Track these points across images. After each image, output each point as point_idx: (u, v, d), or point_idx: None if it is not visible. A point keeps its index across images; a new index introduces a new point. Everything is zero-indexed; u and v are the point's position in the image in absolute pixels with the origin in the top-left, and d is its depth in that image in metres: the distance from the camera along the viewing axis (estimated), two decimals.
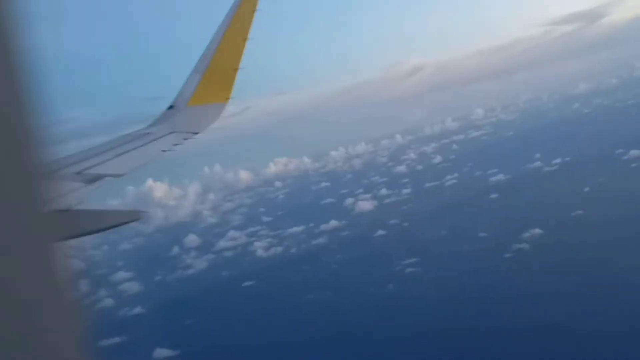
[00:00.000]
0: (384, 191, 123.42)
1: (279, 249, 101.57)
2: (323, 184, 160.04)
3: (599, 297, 52.44)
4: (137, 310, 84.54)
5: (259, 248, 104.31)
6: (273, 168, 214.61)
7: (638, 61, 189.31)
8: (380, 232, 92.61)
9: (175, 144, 10.61)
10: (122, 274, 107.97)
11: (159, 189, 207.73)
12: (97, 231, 6.96)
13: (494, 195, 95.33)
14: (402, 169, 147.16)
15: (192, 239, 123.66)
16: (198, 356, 64.68)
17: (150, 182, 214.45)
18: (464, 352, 49.86)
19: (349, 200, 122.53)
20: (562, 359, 45.59)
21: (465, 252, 73.24)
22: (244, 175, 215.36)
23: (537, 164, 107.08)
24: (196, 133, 11.26)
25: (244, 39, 11.90)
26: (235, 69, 11.94)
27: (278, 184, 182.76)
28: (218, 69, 12.00)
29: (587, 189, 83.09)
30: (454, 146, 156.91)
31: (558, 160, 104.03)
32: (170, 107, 12.06)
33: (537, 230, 71.74)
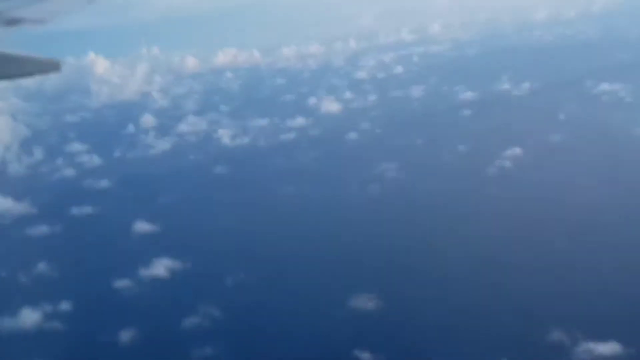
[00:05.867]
0: (348, 95, 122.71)
1: (246, 139, 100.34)
2: (278, 80, 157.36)
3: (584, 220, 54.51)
4: (105, 183, 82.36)
5: (224, 136, 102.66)
6: (221, 57, 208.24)
7: None
8: (352, 135, 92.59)
9: None
10: (77, 146, 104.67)
11: (100, 64, 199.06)
12: (13, 76, 6.88)
13: (466, 112, 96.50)
14: (362, 74, 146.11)
15: (147, 119, 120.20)
16: (180, 232, 63.92)
17: (91, 55, 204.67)
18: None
19: (312, 100, 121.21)
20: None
21: (446, 162, 74.52)
22: (191, 61, 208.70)
23: (506, 86, 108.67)
24: None
25: None
26: None
27: (229, 74, 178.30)
28: None
29: (562, 116, 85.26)
30: (415, 58, 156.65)
31: (527, 85, 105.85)
32: None
33: (518, 150, 73.43)
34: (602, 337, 35.61)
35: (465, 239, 52.87)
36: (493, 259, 47.99)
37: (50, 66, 6.81)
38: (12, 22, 7.64)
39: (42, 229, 66.58)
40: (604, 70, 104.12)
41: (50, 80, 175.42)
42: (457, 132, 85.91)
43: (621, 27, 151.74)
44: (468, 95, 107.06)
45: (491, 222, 55.89)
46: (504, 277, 45.40)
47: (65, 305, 50.04)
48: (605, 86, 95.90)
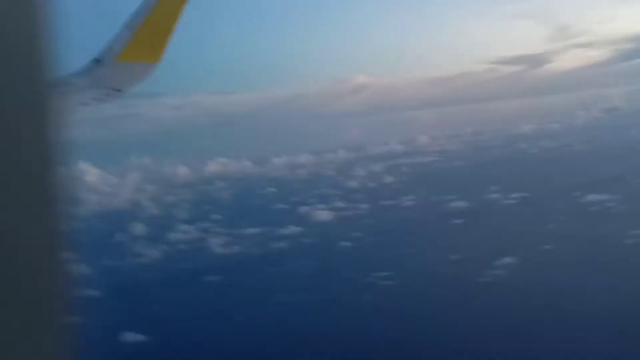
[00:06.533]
0: (339, 204, 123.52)
1: (237, 247, 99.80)
2: (269, 189, 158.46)
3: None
4: (93, 292, 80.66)
5: (215, 245, 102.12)
6: (212, 167, 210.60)
7: (579, 109, 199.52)
8: (345, 243, 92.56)
9: (95, 99, 10.12)
10: (64, 254, 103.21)
11: (90, 173, 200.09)
12: None
13: (457, 221, 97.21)
14: (353, 184, 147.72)
15: (137, 228, 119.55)
16: (171, 342, 62.41)
17: (80, 164, 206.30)
18: None
19: (303, 209, 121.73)
20: None
21: (439, 271, 74.27)
22: (182, 171, 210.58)
23: (495, 195, 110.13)
24: (119, 90, 10.77)
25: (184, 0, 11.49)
26: (171, 30, 11.42)
27: (220, 183, 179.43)
28: (152, 27, 11.27)
29: (552, 225, 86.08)
30: (404, 168, 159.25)
31: (516, 195, 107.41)
32: (96, 60, 11.27)
33: (510, 259, 73.56)
34: None
35: (462, 352, 52.11)
36: None
37: None
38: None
39: None
40: (591, 182, 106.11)
41: None
42: (448, 241, 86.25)
43: (605, 140, 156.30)
44: (458, 204, 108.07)
45: (486, 334, 55.33)
46: None
47: None
48: (593, 197, 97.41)
